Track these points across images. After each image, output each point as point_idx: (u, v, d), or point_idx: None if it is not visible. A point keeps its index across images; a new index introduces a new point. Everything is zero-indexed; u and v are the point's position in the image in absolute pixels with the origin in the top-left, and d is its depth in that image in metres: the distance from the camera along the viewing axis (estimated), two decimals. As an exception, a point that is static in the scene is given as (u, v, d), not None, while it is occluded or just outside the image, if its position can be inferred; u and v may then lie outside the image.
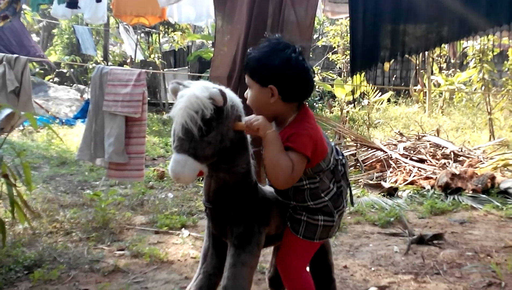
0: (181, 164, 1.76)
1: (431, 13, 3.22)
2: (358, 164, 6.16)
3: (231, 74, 3.11)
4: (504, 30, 3.07)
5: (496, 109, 8.61)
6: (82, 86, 15.24)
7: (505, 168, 5.68)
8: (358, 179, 5.60)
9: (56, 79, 16.80)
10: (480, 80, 8.34)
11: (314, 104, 11.93)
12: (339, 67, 14.00)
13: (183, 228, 3.87)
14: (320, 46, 15.24)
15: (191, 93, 1.77)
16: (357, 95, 9.09)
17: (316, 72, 12.72)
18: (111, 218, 3.94)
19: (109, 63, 14.15)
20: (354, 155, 6.43)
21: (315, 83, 2.02)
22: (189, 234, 3.73)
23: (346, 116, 9.12)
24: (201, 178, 2.26)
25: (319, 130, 1.95)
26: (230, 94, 1.90)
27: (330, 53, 13.98)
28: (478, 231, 3.93)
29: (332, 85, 10.20)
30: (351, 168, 6.15)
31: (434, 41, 3.27)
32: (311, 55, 13.92)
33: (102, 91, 3.50)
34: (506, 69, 9.12)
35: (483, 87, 8.40)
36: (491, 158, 6.09)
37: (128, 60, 15.16)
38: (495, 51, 7.57)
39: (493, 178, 5.09)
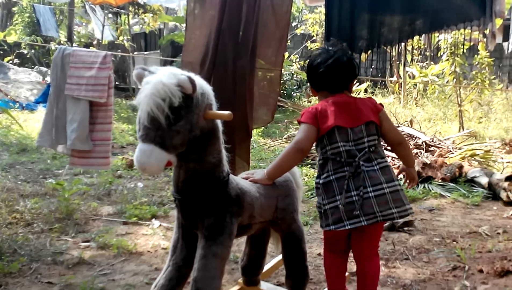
0: (147, 154, 1.70)
1: (406, 4, 3.23)
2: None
3: (204, 60, 3.01)
4: (474, 26, 3.14)
5: (466, 101, 8.78)
6: (44, 69, 14.53)
7: (472, 158, 5.83)
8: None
9: (16, 60, 16.04)
10: (452, 73, 8.47)
11: (292, 93, 11.91)
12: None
13: (153, 219, 3.81)
14: (298, 34, 15.17)
15: (158, 80, 1.70)
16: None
17: (294, 60, 12.68)
18: (76, 209, 3.83)
19: (74, 44, 13.57)
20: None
21: (331, 76, 2.17)
22: (159, 225, 3.67)
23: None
24: (171, 168, 2.20)
25: (323, 108, 2.12)
26: (200, 81, 1.84)
27: (309, 42, 13.94)
28: (445, 218, 4.08)
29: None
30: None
31: (408, 33, 3.29)
32: (289, 43, 13.85)
33: (64, 74, 3.34)
34: (476, 63, 9.29)
35: (454, 80, 8.54)
36: (460, 149, 6.23)
37: (95, 42, 14.62)
38: (466, 45, 7.69)
39: (461, 167, 5.23)
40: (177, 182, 1.95)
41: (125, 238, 3.35)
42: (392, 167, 2.15)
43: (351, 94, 2.26)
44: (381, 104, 2.22)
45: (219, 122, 1.95)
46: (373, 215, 2.01)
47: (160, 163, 1.73)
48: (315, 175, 5.31)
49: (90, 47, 13.85)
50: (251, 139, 3.36)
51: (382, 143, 2.24)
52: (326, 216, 2.10)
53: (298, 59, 13.39)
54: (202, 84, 1.85)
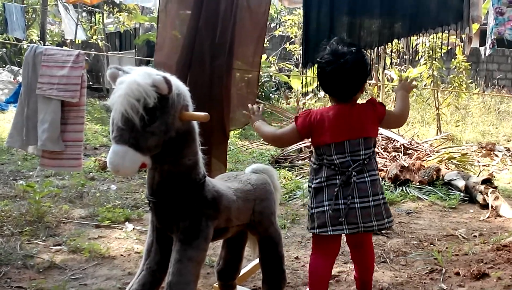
0: (120, 155, 1.67)
1: (384, 8, 3.25)
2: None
3: (179, 60, 2.96)
4: (452, 30, 3.18)
5: (443, 104, 8.88)
6: (16, 68, 14.14)
7: (450, 161, 5.88)
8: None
9: (-14, 59, 15.76)
10: (429, 76, 8.56)
11: (270, 94, 11.89)
12: (296, 58, 13.97)
13: (127, 222, 3.74)
14: (277, 36, 15.16)
15: (132, 80, 1.68)
16: (313, 86, 9.11)
17: (272, 62, 12.67)
18: (47, 211, 3.74)
19: (47, 43, 13.28)
20: (309, 146, 6.44)
21: (336, 87, 2.21)
22: (133, 228, 3.61)
23: (303, 108, 9.13)
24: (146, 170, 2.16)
25: (320, 119, 2.18)
26: (176, 82, 1.82)
27: (288, 43, 13.95)
28: (423, 221, 4.10)
29: (288, 76, 10.19)
30: (306, 160, 6.15)
31: (387, 36, 3.33)
32: (267, 45, 13.84)
33: (36, 73, 3.28)
34: (454, 67, 9.41)
35: (432, 83, 8.64)
36: (437, 152, 6.28)
37: (68, 41, 14.36)
38: (444, 49, 7.80)
39: (438, 170, 5.27)
40: (151, 185, 1.92)
41: (98, 242, 3.29)
42: (379, 179, 2.24)
43: (362, 93, 2.29)
44: (383, 107, 2.27)
45: (195, 124, 1.92)
46: (355, 225, 2.12)
47: (134, 165, 1.70)
48: (293, 177, 5.27)
49: (64, 46, 13.58)
50: (229, 141, 3.33)
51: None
52: (312, 219, 2.18)
53: (276, 61, 13.38)
54: (178, 85, 1.83)
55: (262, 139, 7.39)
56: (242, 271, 2.57)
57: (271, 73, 11.90)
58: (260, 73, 3.39)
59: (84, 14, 15.10)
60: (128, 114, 1.64)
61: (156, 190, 1.90)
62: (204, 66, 2.97)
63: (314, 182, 2.19)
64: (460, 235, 3.70)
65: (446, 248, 3.38)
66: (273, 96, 11.95)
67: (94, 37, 14.04)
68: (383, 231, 3.69)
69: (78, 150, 3.29)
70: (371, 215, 2.13)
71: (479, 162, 6.48)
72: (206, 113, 1.83)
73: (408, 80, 2.47)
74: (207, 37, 2.95)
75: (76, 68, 3.23)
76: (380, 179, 2.28)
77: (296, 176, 5.41)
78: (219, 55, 2.98)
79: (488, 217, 4.18)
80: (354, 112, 2.18)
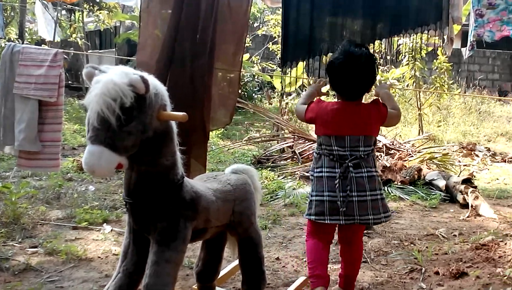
0: (96, 156, 1.65)
1: (366, 8, 3.29)
2: (295, 156, 6.18)
3: (159, 59, 2.94)
4: (431, 30, 3.25)
5: (425, 105, 8.97)
6: None
7: (431, 161, 5.94)
8: (295, 171, 5.62)
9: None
10: (412, 77, 8.63)
11: (253, 94, 11.87)
12: (279, 58, 13.97)
13: (104, 223, 3.70)
14: (260, 35, 15.13)
15: (109, 79, 1.66)
16: (297, 86, 9.09)
17: (255, 62, 12.65)
18: (23, 213, 3.67)
19: (25, 42, 13.05)
20: (291, 147, 6.45)
21: (344, 88, 2.35)
22: (111, 230, 3.58)
23: (285, 108, 9.14)
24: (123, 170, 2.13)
25: (327, 112, 2.34)
26: (153, 81, 1.80)
27: (271, 43, 13.93)
28: (404, 221, 4.12)
29: (271, 76, 10.18)
30: (288, 160, 6.15)
31: (370, 37, 3.37)
32: (250, 44, 13.80)
33: (13, 72, 3.27)
34: (435, 68, 9.51)
35: (414, 84, 8.70)
36: (419, 152, 6.33)
37: (47, 40, 14.15)
38: (425, 50, 7.86)
39: (419, 170, 5.32)
40: (128, 185, 1.90)
41: (75, 244, 3.25)
42: (378, 177, 2.37)
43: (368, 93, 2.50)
44: (385, 108, 2.37)
45: (173, 123, 1.91)
46: (352, 217, 2.27)
47: (110, 165, 1.68)
48: (275, 177, 5.27)
49: (42, 45, 13.36)
50: (210, 141, 3.31)
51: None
52: (310, 206, 2.34)
53: (259, 60, 13.36)
54: (156, 84, 1.81)
55: (243, 139, 7.38)
56: (222, 273, 2.55)
57: (254, 73, 11.88)
58: (243, 72, 3.40)
59: (63, 12, 14.87)
60: (104, 113, 1.62)
61: (133, 191, 1.88)
62: (185, 65, 2.97)
63: (315, 171, 2.34)
64: (440, 234, 3.73)
65: (426, 247, 3.40)
66: (256, 96, 11.93)
67: (74, 35, 13.84)
68: (364, 231, 3.70)
69: (56, 150, 3.28)
70: (367, 209, 2.27)
71: (460, 162, 6.56)
72: (184, 113, 1.82)
73: (382, 82, 2.61)
74: (188, 36, 2.94)
75: (54, 67, 3.20)
76: (379, 177, 2.40)
77: (278, 176, 5.41)
78: (200, 55, 2.98)
79: (468, 217, 4.22)
80: (359, 110, 2.32)
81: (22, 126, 3.17)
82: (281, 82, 8.21)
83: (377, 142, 6.41)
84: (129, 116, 1.66)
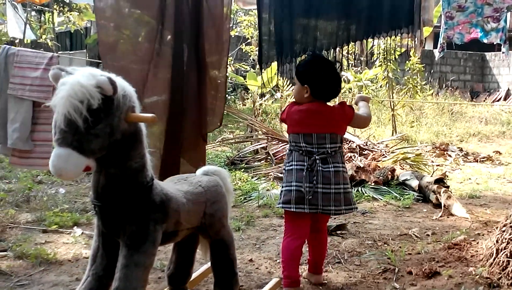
0: (63, 158, 1.64)
1: (340, 11, 3.32)
2: (269, 158, 6.19)
3: (136, 61, 2.92)
4: (404, 33, 3.32)
5: (398, 105, 9.09)
6: None
7: (404, 161, 6.01)
8: (269, 172, 5.63)
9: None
10: (385, 78, 8.75)
11: (226, 96, 11.81)
12: (253, 59, 13.97)
13: (75, 227, 3.67)
14: (233, 36, 15.09)
15: (75, 81, 1.64)
16: (270, 88, 9.13)
17: (228, 63, 12.63)
18: (-8, 216, 3.63)
19: (-5, 43, 12.74)
20: (265, 148, 6.46)
21: (328, 90, 2.60)
22: (82, 233, 3.54)
23: (259, 109, 9.15)
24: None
25: (296, 113, 2.57)
26: (121, 82, 1.79)
27: (244, 44, 13.93)
28: (377, 221, 4.14)
29: (244, 77, 10.17)
30: (262, 161, 6.15)
31: (343, 39, 3.41)
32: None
33: (7, 73, 3.39)
34: (408, 69, 9.65)
35: (387, 85, 8.82)
36: (392, 152, 6.40)
37: (17, 40, 13.86)
38: (398, 51, 7.99)
39: (393, 170, 5.37)
40: (96, 188, 1.89)
41: (45, 247, 3.20)
42: (345, 173, 2.59)
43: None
44: (352, 109, 2.61)
45: (142, 126, 1.89)
46: (315, 207, 2.48)
47: (77, 168, 1.67)
48: (249, 179, 5.30)
49: (12, 46, 13.06)
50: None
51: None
52: (280, 196, 2.57)
53: (232, 62, 13.33)
54: (124, 86, 1.80)
55: (217, 140, 7.35)
56: (194, 275, 2.54)
57: (228, 74, 11.86)
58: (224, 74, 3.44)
59: (33, 13, 14.59)
60: (71, 116, 1.60)
61: (101, 194, 1.86)
62: (176, 70, 3.00)
63: (287, 165, 2.57)
64: (413, 234, 3.75)
65: (400, 247, 3.42)
66: (229, 97, 11.92)
67: (44, 36, 13.59)
68: (338, 232, 3.73)
69: (48, 149, 3.33)
70: (330, 201, 2.49)
71: (433, 162, 6.66)
72: (153, 115, 1.81)
73: (363, 95, 3.00)
74: (176, 40, 2.99)
75: (49, 70, 3.24)
76: (346, 173, 2.62)
77: (252, 177, 5.40)
78: (191, 58, 3.05)
79: (440, 216, 4.27)
80: (325, 110, 2.55)
81: (16, 126, 3.30)
82: (262, 82, 8.20)
83: (351, 142, 6.52)
84: (96, 118, 1.64)
